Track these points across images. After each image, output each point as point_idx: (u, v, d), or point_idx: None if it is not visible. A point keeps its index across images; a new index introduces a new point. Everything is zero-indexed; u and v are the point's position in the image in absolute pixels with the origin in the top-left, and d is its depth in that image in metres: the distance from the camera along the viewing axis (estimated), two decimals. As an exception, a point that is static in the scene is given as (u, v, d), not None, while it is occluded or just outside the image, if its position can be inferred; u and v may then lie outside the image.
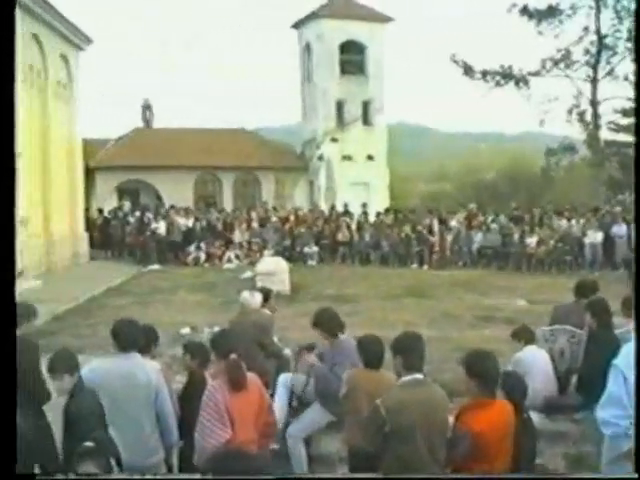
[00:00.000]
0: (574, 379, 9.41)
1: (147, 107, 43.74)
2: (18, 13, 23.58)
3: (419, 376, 6.06)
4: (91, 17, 73.16)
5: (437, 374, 8.98)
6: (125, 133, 42.03)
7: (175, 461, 7.49)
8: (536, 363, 9.23)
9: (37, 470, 7.40)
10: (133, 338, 6.85)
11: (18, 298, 17.37)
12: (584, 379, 8.80)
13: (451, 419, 6.13)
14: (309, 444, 8.62)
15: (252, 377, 6.56)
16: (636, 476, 5.31)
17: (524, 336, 9.66)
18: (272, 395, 8.61)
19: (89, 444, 5.34)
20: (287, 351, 10.37)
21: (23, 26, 24.33)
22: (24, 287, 19.49)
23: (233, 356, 6.43)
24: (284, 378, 9.15)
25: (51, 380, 6.55)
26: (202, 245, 30.29)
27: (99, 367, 6.93)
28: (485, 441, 5.85)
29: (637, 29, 7.03)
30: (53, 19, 26.92)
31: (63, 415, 6.43)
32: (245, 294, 10.33)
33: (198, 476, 5.92)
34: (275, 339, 10.45)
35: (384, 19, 41.50)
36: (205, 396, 6.32)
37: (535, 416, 7.37)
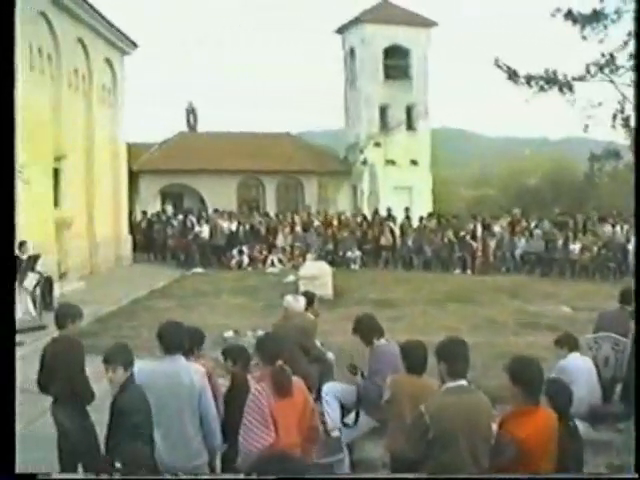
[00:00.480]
0: (618, 388, 9.31)
1: (191, 111, 43.97)
2: (64, 17, 23.85)
3: (463, 382, 6.02)
4: (137, 21, 73.65)
5: (480, 380, 8.91)
6: (169, 137, 42.25)
7: (218, 464, 7.49)
8: (580, 371, 9.13)
9: (80, 469, 7.47)
10: (178, 341, 6.87)
11: (61, 299, 17.55)
12: (628, 388, 8.69)
13: (494, 426, 6.08)
14: (352, 450, 8.60)
15: (297, 381, 6.54)
16: (636, 476, 5.30)
17: (568, 343, 9.53)
18: (315, 399, 8.61)
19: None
20: (330, 355, 10.35)
21: (69, 30, 24.59)
22: (67, 288, 19.69)
23: (280, 362, 6.42)
24: (334, 389, 9.03)
25: (105, 370, 6.58)
26: (245, 249, 30.37)
27: (143, 369, 6.95)
28: (529, 449, 5.78)
29: (637, 29, 7.01)
30: (98, 24, 27.17)
31: (110, 408, 6.49)
32: (289, 298, 10.33)
33: (241, 476, 5.92)
34: (318, 343, 10.44)
35: (428, 23, 41.39)
36: (249, 400, 6.30)
37: (579, 425, 7.31)
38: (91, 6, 25.66)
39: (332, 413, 8.54)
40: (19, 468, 5.55)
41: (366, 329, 8.46)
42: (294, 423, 6.33)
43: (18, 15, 20.60)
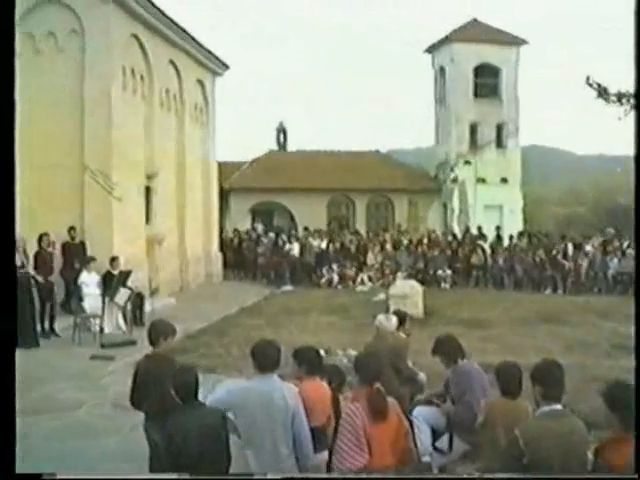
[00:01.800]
0: None
1: (281, 130, 44.32)
2: (156, 40, 24.30)
3: (558, 407, 5.90)
4: (229, 42, 74.49)
5: (573, 404, 8.73)
6: (259, 156, 42.61)
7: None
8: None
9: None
10: (271, 360, 6.83)
11: (152, 315, 17.63)
12: None
13: (589, 454, 5.93)
14: (443, 472, 8.51)
15: (391, 403, 6.50)
16: (636, 476, 5.18)
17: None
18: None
19: None
20: (422, 376, 10.24)
21: (161, 52, 25.01)
22: (158, 305, 19.91)
23: (377, 385, 6.38)
24: (424, 412, 8.84)
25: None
26: (335, 267, 30.40)
27: (237, 389, 6.96)
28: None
29: (637, 29, 6.79)
30: (189, 46, 27.60)
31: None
32: (381, 317, 10.29)
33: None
34: (409, 363, 10.36)
35: (518, 42, 41.04)
36: (343, 420, 6.27)
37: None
38: (183, 29, 26.06)
39: (423, 437, 8.42)
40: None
41: (450, 350, 8.37)
42: (388, 445, 6.28)
43: (112, 37, 21.02)
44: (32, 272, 16.73)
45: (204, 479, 6.13)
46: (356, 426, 6.17)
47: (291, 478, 4.82)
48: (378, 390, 6.33)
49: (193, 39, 27.48)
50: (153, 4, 23.04)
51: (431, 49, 42.97)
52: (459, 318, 20.00)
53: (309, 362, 7.58)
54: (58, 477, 5.64)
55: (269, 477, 4.18)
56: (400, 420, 6.54)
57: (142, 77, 23.90)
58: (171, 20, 24.83)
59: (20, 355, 15.37)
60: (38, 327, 16.63)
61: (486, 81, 41.05)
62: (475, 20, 41.72)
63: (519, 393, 6.91)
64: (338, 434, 6.23)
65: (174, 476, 6.34)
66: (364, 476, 6.01)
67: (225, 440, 6.40)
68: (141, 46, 23.61)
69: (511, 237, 32.29)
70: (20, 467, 5.73)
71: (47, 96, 20.88)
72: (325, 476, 6.17)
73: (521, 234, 33.54)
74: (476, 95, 40.80)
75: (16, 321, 5.55)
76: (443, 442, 8.66)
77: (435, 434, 8.66)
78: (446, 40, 41.10)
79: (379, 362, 6.94)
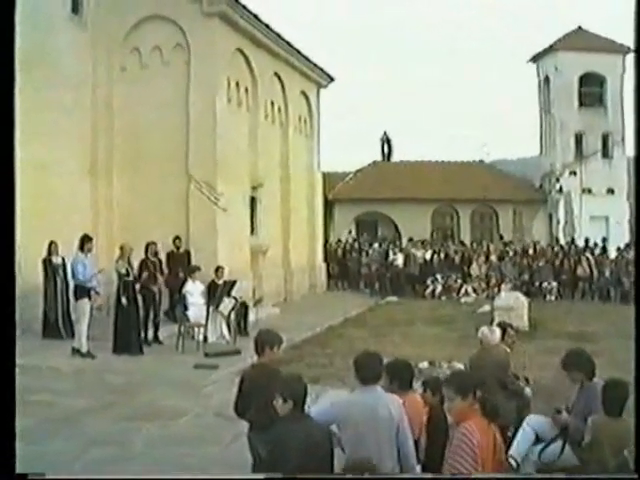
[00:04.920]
0: None
1: (386, 140, 44.25)
2: (261, 53, 24.55)
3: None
4: (336, 54, 74.50)
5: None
6: (364, 166, 42.67)
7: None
8: None
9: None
10: (374, 372, 6.69)
11: (255, 325, 17.66)
12: None
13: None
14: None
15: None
16: (636, 476, 5.13)
17: None
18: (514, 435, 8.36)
19: None
20: (528, 390, 9.96)
21: (265, 65, 25.19)
22: (262, 314, 19.98)
23: (479, 394, 6.24)
24: (536, 421, 8.60)
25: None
26: (439, 278, 30.17)
27: (340, 402, 6.86)
28: None
29: (637, 29, 6.48)
30: (294, 58, 27.80)
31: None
32: (484, 329, 10.07)
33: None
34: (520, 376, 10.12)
35: (624, 50, 40.19)
36: (460, 440, 6.10)
37: None
38: (288, 42, 26.24)
39: (520, 442, 8.21)
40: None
41: (587, 365, 8.07)
42: (490, 459, 6.13)
43: (217, 51, 21.25)
44: (137, 279, 16.88)
45: (203, 479, 6.05)
46: (473, 446, 6.02)
47: (291, 478, 4.77)
48: (483, 405, 6.20)
49: (298, 52, 27.66)
50: (258, 18, 23.24)
51: (536, 58, 42.59)
52: (565, 331, 19.62)
53: (401, 377, 7.46)
54: (47, 477, 5.65)
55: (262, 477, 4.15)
56: (494, 433, 6.37)
57: (247, 89, 24.11)
58: (276, 34, 25.01)
59: (124, 361, 15.65)
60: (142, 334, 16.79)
61: (591, 90, 40.46)
62: (580, 28, 41.04)
63: (622, 411, 6.66)
64: (453, 453, 6.08)
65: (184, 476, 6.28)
66: (364, 476, 5.90)
67: (330, 455, 6.30)
68: (246, 59, 23.81)
69: (618, 249, 31.53)
70: (117, 471, 5.73)
71: (153, 108, 21.23)
72: (325, 476, 6.02)
73: (627, 246, 32.72)
74: (581, 104, 40.25)
75: (15, 321, 5.54)
76: (553, 451, 8.38)
77: (540, 440, 8.40)
78: (550, 49, 40.73)
79: (473, 376, 6.79)
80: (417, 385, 8.16)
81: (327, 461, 6.21)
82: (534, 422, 8.52)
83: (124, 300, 15.96)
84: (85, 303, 15.73)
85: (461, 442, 6.05)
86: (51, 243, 17.34)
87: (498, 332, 9.99)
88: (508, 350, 10.11)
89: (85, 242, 16.14)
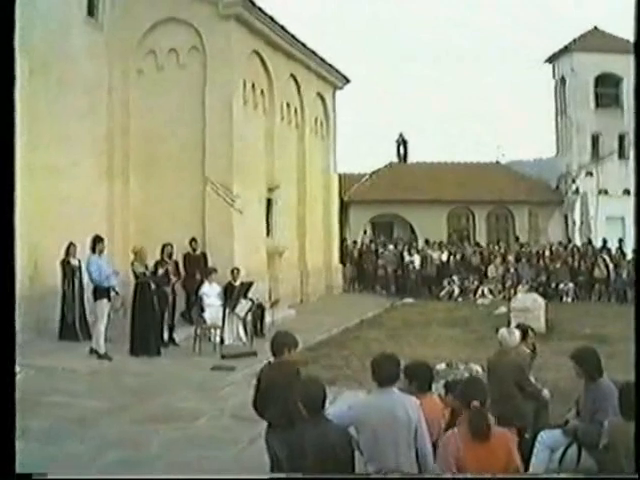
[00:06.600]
0: None
1: (402, 142, 44.23)
2: (277, 55, 24.57)
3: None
4: (352, 56, 74.54)
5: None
6: (379, 168, 42.66)
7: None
8: None
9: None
10: (391, 374, 6.69)
11: (272, 327, 17.65)
12: None
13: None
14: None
15: (504, 432, 6.35)
16: (636, 476, 5.18)
17: None
18: (533, 438, 8.32)
19: None
20: (545, 392, 9.90)
21: (281, 67, 25.21)
22: (278, 316, 20.00)
23: (475, 403, 6.24)
24: (550, 436, 8.48)
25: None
26: (455, 279, 30.12)
27: (358, 404, 6.87)
28: None
29: (637, 29, 6.45)
30: (310, 60, 27.85)
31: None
32: (503, 331, 10.02)
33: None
34: (532, 379, 10.07)
35: (640, 50, 40.01)
36: (440, 446, 6.17)
37: None
38: (304, 44, 26.26)
39: (535, 464, 8.12)
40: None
41: (595, 364, 8.07)
42: (488, 468, 6.11)
43: (233, 53, 21.29)
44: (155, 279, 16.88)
45: (202, 479, 6.04)
46: (448, 454, 6.06)
47: (291, 478, 4.79)
48: (478, 409, 6.19)
49: (314, 54, 27.68)
50: (274, 21, 23.31)
51: (551, 59, 42.50)
52: (582, 333, 19.53)
53: (420, 378, 7.49)
54: (49, 477, 5.65)
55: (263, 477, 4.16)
56: (510, 452, 6.31)
57: (262, 91, 24.15)
58: (292, 36, 25.07)
59: (141, 363, 15.64)
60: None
61: (607, 91, 40.34)
62: (596, 28, 40.94)
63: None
64: (437, 458, 6.14)
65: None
66: (365, 476, 5.90)
67: (351, 458, 6.26)
68: (262, 61, 23.86)
69: (635, 250, 31.38)
70: (133, 473, 5.74)
71: (169, 111, 21.29)
72: (325, 476, 6.02)
73: (644, 246, 32.54)
74: (597, 105, 40.16)
75: (14, 321, 5.54)
76: (571, 457, 8.33)
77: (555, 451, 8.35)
78: (566, 50, 40.64)
79: (477, 386, 6.79)
80: (439, 387, 8.16)
81: (347, 464, 6.17)
82: (546, 438, 8.44)
83: (139, 300, 16.00)
84: (104, 304, 15.75)
85: (441, 449, 6.15)
86: (69, 245, 17.39)
87: (517, 334, 9.94)
88: (528, 352, 10.09)
89: (97, 243, 16.17)
